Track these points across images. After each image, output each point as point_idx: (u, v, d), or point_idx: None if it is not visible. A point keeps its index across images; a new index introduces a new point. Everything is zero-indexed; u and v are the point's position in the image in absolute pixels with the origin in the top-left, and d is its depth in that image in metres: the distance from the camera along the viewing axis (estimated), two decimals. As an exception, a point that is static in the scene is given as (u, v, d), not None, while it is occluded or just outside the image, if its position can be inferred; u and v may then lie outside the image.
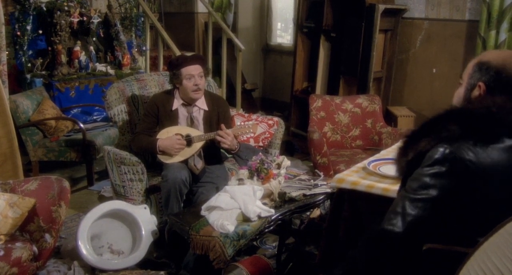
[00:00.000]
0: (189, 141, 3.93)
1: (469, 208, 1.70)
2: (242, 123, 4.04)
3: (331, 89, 6.29)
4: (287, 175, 3.71)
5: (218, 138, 3.87)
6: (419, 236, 1.75)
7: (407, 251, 1.78)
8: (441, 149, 1.72)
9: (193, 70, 3.98)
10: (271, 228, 3.30)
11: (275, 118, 5.00)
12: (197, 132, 3.99)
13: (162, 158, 3.92)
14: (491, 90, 1.84)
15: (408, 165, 1.86)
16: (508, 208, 1.66)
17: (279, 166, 3.62)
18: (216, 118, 4.11)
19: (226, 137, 3.86)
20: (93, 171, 5.45)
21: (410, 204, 1.75)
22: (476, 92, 1.89)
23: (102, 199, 4.97)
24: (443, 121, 1.80)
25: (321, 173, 4.07)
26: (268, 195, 3.41)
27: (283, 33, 8.77)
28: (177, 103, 4.06)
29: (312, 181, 3.83)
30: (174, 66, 4.03)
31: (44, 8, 6.27)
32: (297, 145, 6.51)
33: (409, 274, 1.85)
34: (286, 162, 3.66)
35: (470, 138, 1.72)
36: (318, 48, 6.34)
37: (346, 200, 3.00)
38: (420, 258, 1.78)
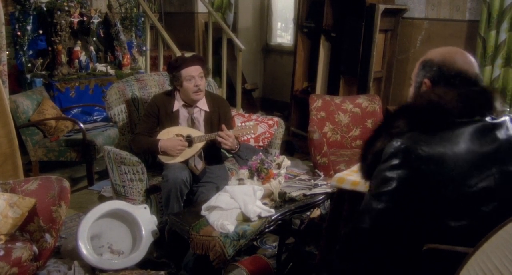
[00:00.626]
0: (189, 141, 3.93)
1: (429, 196, 1.75)
2: (243, 124, 4.03)
3: (331, 89, 6.29)
4: (287, 175, 3.71)
5: (219, 139, 3.87)
6: (388, 230, 1.81)
7: (381, 246, 1.83)
8: (394, 143, 1.81)
9: (193, 71, 3.97)
10: (271, 228, 3.30)
11: (275, 118, 5.00)
12: (197, 132, 3.99)
13: (162, 159, 3.92)
14: (436, 84, 1.96)
15: (369, 168, 1.93)
16: (465, 189, 1.74)
17: (279, 166, 3.62)
18: (217, 119, 4.11)
19: (227, 139, 3.85)
20: (93, 171, 5.45)
21: (374, 200, 1.82)
22: (423, 89, 1.99)
23: (102, 199, 4.97)
24: (392, 120, 1.91)
25: (321, 173, 4.07)
26: (268, 195, 3.41)
27: (283, 33, 8.77)
28: (177, 104, 4.05)
29: (312, 181, 3.83)
30: (174, 68, 4.02)
31: (44, 8, 6.27)
32: (297, 145, 6.51)
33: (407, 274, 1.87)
34: (286, 162, 3.67)
35: (418, 129, 1.83)
36: (318, 48, 6.34)
37: (346, 200, 3.00)
38: (415, 258, 1.80)
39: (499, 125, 1.88)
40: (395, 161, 1.77)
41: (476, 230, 1.71)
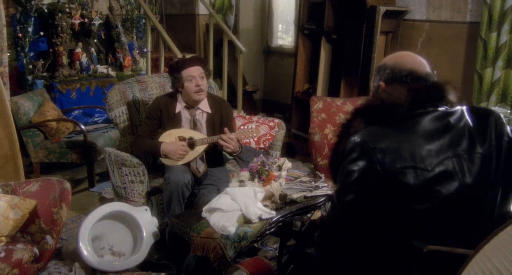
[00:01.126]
0: (191, 144, 3.93)
1: (390, 183, 1.80)
2: (245, 127, 4.03)
3: (332, 90, 6.29)
4: (288, 177, 3.71)
5: (221, 142, 3.87)
6: (359, 220, 1.87)
7: (356, 238, 1.89)
8: (351, 139, 1.90)
9: (193, 72, 3.97)
10: (272, 230, 3.30)
11: (276, 120, 5.01)
12: (199, 135, 3.98)
13: (164, 161, 3.92)
14: (390, 85, 2.07)
15: (337, 171, 2.00)
16: (424, 174, 1.80)
17: (280, 168, 3.62)
18: (219, 121, 4.11)
19: (230, 142, 3.85)
20: (94, 172, 5.46)
21: (341, 193, 1.90)
22: (380, 91, 2.10)
23: (103, 200, 4.98)
24: (350, 122, 2.03)
25: (322, 175, 4.07)
26: (269, 197, 3.41)
27: (284, 34, 8.77)
28: (179, 106, 4.05)
29: (313, 183, 3.83)
30: (174, 69, 4.03)
31: (46, 10, 6.29)
32: (298, 146, 6.51)
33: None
34: (287, 164, 3.67)
35: (372, 124, 1.95)
36: (319, 50, 6.34)
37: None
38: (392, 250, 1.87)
39: (452, 113, 1.96)
40: (354, 155, 1.86)
41: (442, 212, 1.80)
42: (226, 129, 3.90)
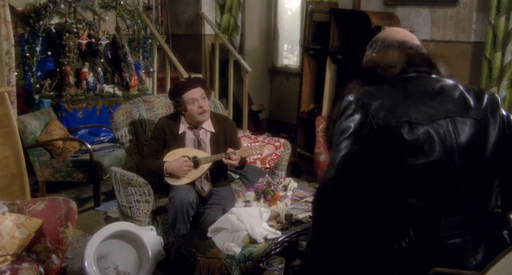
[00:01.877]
0: (196, 163, 3.94)
1: (385, 138, 1.78)
2: (249, 145, 4.05)
3: (338, 110, 6.29)
4: (293, 197, 3.71)
5: (226, 161, 3.89)
6: (353, 177, 1.81)
7: (349, 199, 1.83)
8: (345, 99, 1.89)
9: (194, 94, 4.00)
10: (278, 250, 3.30)
11: (282, 140, 5.02)
12: (204, 154, 4.00)
13: (169, 180, 3.93)
14: (382, 51, 2.08)
15: (331, 137, 1.97)
16: (418, 130, 1.78)
17: (285, 188, 3.63)
18: (223, 139, 4.13)
19: (235, 160, 3.88)
20: (100, 191, 5.46)
21: (335, 152, 1.84)
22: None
23: (108, 220, 4.98)
24: (343, 87, 2.01)
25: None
26: (274, 217, 3.42)
27: (289, 54, 8.82)
28: (183, 127, 4.07)
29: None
30: (175, 94, 4.06)
31: (53, 30, 6.35)
32: (303, 166, 6.51)
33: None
34: (293, 184, 3.67)
35: (367, 84, 1.94)
36: (324, 70, 6.36)
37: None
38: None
39: (446, 81, 1.96)
40: (349, 111, 1.84)
41: (436, 169, 1.77)
42: (229, 149, 3.92)
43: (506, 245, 1.83)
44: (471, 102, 1.89)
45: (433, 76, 1.97)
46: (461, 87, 1.96)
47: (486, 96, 1.93)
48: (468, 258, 1.78)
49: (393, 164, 1.77)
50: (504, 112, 1.96)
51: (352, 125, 1.81)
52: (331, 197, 1.82)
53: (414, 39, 2.11)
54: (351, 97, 1.86)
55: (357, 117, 1.80)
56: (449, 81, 1.97)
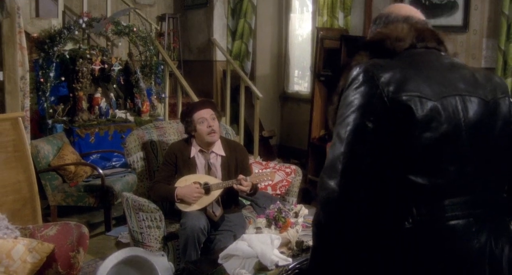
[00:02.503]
0: (207, 189, 3.95)
1: (395, 112, 1.69)
2: (260, 171, 4.06)
3: (348, 137, 6.30)
4: (304, 223, 3.70)
5: (236, 187, 3.90)
6: (365, 152, 1.69)
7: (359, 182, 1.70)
8: (353, 70, 1.78)
9: (204, 114, 4.04)
10: (289, 277, 3.29)
11: (293, 166, 5.02)
12: (215, 180, 4.01)
13: (180, 206, 3.94)
14: (391, 24, 1.98)
15: (337, 109, 1.86)
16: (429, 106, 1.70)
17: (296, 214, 3.62)
18: (234, 164, 4.14)
19: (246, 187, 3.89)
20: (111, 216, 5.48)
21: (342, 124, 1.73)
22: None
23: (119, 245, 4.98)
24: (350, 60, 1.90)
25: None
26: (285, 244, 3.41)
27: (300, 80, 8.86)
28: (194, 151, 4.10)
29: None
30: (185, 114, 4.11)
31: (67, 56, 6.43)
32: (314, 192, 6.49)
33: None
34: (304, 210, 3.67)
35: (375, 57, 1.84)
36: (335, 96, 6.38)
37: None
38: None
39: (456, 60, 1.91)
40: (357, 83, 1.74)
41: (442, 145, 1.70)
42: (241, 175, 3.93)
43: (509, 230, 1.82)
44: (481, 82, 1.84)
45: (442, 53, 1.91)
46: (469, 67, 1.92)
47: (495, 79, 1.90)
48: (471, 241, 1.72)
49: (399, 138, 1.68)
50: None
51: (361, 97, 1.71)
52: (342, 174, 1.68)
53: (418, 14, 2.05)
54: (359, 68, 1.76)
55: (366, 89, 1.71)
56: (458, 60, 1.93)
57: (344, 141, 1.69)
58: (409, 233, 1.69)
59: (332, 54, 6.48)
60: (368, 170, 1.68)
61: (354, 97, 1.72)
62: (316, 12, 7.27)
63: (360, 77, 1.73)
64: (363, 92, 1.71)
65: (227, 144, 4.22)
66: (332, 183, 1.69)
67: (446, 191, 1.71)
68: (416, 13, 2.03)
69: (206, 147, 4.10)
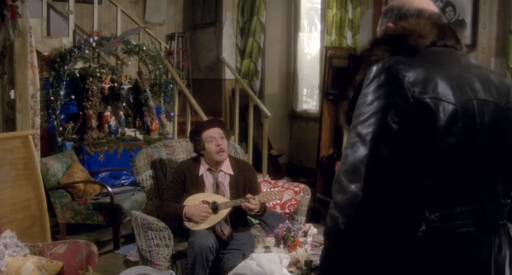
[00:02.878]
0: (215, 208, 3.95)
1: (419, 116, 1.63)
2: (268, 190, 4.06)
3: (357, 156, 6.29)
4: (313, 242, 3.70)
5: (244, 206, 3.90)
6: (391, 155, 1.64)
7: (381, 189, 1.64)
8: (374, 67, 1.71)
9: (213, 133, 4.06)
10: (297, 296, 3.28)
11: (302, 185, 5.02)
12: (223, 199, 4.01)
13: (188, 225, 3.94)
14: (411, 18, 1.91)
15: (351, 104, 1.80)
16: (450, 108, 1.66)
17: (305, 234, 3.62)
18: (243, 183, 4.14)
19: (254, 205, 3.89)
20: (120, 234, 5.48)
21: (363, 124, 1.66)
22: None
23: (127, 263, 4.98)
24: (369, 51, 1.82)
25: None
26: (294, 263, 3.40)
27: (309, 99, 8.88)
28: (202, 169, 4.11)
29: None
30: (194, 133, 4.13)
31: (77, 74, 6.49)
32: (323, 211, 6.48)
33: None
34: (313, 230, 3.67)
35: (398, 54, 1.76)
36: (344, 115, 6.38)
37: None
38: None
39: (473, 61, 1.87)
40: (380, 81, 1.67)
41: (459, 150, 1.67)
42: (249, 195, 3.93)
43: (510, 235, 1.81)
44: (496, 85, 1.80)
45: (459, 51, 1.87)
46: (484, 68, 1.88)
47: (507, 82, 1.86)
48: (480, 247, 1.72)
49: (420, 141, 1.64)
50: None
51: (385, 96, 1.65)
52: (366, 177, 1.62)
53: (431, 4, 1.99)
54: (381, 66, 1.70)
55: (390, 88, 1.65)
56: (473, 60, 1.89)
57: (368, 143, 1.63)
58: (421, 239, 1.66)
59: (341, 73, 6.50)
60: (391, 173, 1.63)
61: (377, 96, 1.66)
62: (325, 31, 7.31)
63: (383, 76, 1.68)
64: (387, 92, 1.65)
65: (236, 163, 4.23)
66: (354, 187, 1.63)
67: (459, 198, 1.70)
68: (429, 5, 1.97)
69: (214, 165, 4.11)
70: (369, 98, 1.67)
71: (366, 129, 1.64)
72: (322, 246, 1.78)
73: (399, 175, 1.63)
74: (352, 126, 1.71)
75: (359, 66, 1.82)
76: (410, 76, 1.65)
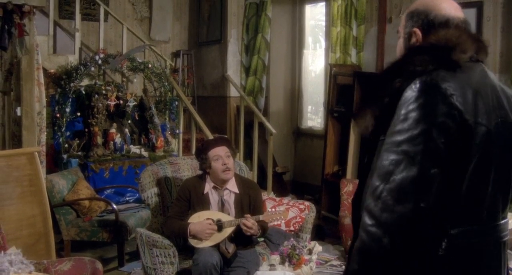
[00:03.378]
0: (220, 226, 3.95)
1: (461, 136, 1.66)
2: (274, 209, 4.06)
3: (362, 173, 6.28)
4: (318, 260, 3.70)
5: (243, 227, 3.89)
6: (439, 175, 1.64)
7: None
8: (419, 81, 1.70)
9: (219, 151, 4.07)
10: (302, 315, 3.26)
11: (306, 203, 5.02)
12: (228, 217, 4.01)
13: (193, 242, 3.94)
14: (426, 32, 1.89)
15: (385, 110, 1.79)
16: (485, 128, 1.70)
17: (310, 251, 3.62)
18: (248, 202, 4.14)
19: (251, 227, 3.88)
20: (124, 252, 5.46)
21: (410, 143, 1.65)
22: (413, 39, 1.93)
23: (132, 280, 4.97)
24: (411, 57, 1.80)
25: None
26: (299, 281, 3.39)
27: (314, 116, 8.89)
28: (208, 187, 4.11)
29: (343, 266, 3.79)
30: (201, 151, 4.14)
31: (83, 92, 6.51)
32: (328, 229, 6.46)
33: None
34: (318, 247, 3.67)
35: (442, 68, 1.73)
36: (348, 132, 6.40)
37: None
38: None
39: (496, 81, 1.87)
40: (427, 98, 1.67)
41: (485, 171, 1.71)
42: (248, 215, 3.93)
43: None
44: (508, 103, 1.83)
45: (485, 67, 1.86)
46: (502, 85, 1.90)
47: None
48: (494, 261, 1.79)
49: (456, 160, 1.66)
50: None
51: (435, 115, 1.64)
52: (417, 198, 1.63)
53: (458, 9, 1.94)
54: (430, 81, 1.69)
55: (440, 107, 1.65)
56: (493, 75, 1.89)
57: (417, 164, 1.63)
58: (443, 256, 1.69)
59: (345, 90, 6.53)
60: (437, 193, 1.64)
61: (424, 114, 1.65)
62: (329, 49, 7.36)
63: (430, 94, 1.67)
64: (438, 111, 1.65)
65: (241, 181, 4.24)
66: (402, 207, 1.63)
67: (478, 216, 1.74)
68: (456, 11, 1.93)
69: (220, 184, 4.12)
70: (415, 115, 1.66)
71: (414, 148, 1.64)
72: (351, 263, 1.75)
73: (442, 194, 1.65)
74: (393, 140, 1.70)
75: (395, 72, 1.81)
76: (458, 95, 1.66)
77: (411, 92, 1.70)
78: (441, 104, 1.65)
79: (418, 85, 1.69)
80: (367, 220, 1.68)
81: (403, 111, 1.69)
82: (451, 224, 1.70)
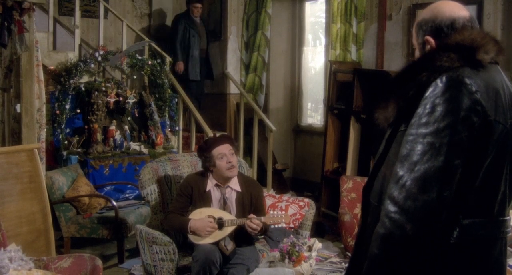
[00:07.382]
0: (220, 224, 3.95)
1: (484, 132, 1.74)
2: (275, 212, 4.04)
3: (362, 170, 6.30)
4: (318, 257, 3.70)
5: (248, 225, 3.89)
6: (460, 168, 1.72)
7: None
8: (445, 76, 1.77)
9: (223, 149, 4.06)
10: (302, 312, 3.26)
11: (306, 200, 5.02)
12: (229, 216, 4.01)
13: (192, 239, 3.94)
14: (437, 37, 1.95)
15: (410, 101, 1.85)
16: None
17: (310, 248, 3.62)
18: (249, 201, 4.14)
19: (256, 228, 3.88)
20: (124, 248, 5.47)
21: (436, 135, 1.72)
22: (428, 47, 1.98)
23: (132, 277, 4.97)
24: (438, 53, 1.86)
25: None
26: (299, 278, 3.39)
27: (313, 113, 8.88)
28: (210, 185, 4.11)
29: (343, 263, 3.80)
30: (204, 150, 4.12)
31: (83, 88, 6.51)
32: (328, 226, 6.47)
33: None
34: (317, 244, 3.67)
35: (468, 66, 1.81)
36: (348, 129, 6.40)
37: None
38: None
39: (508, 81, 1.94)
40: (454, 93, 1.74)
41: (500, 169, 1.80)
42: (252, 215, 3.92)
43: None
44: None
45: (499, 68, 1.95)
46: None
47: None
48: (501, 255, 1.86)
49: (475, 154, 1.74)
50: None
51: (461, 109, 1.72)
52: (441, 187, 1.70)
53: (462, 8, 2.00)
54: (457, 77, 1.76)
55: (466, 102, 1.72)
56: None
57: (443, 156, 1.71)
58: (454, 244, 1.78)
59: (345, 87, 6.52)
60: (459, 183, 1.73)
61: (451, 108, 1.72)
62: (329, 46, 7.35)
63: (457, 89, 1.74)
64: (463, 106, 1.72)
65: (244, 180, 4.23)
66: (426, 196, 1.70)
67: (491, 211, 1.82)
68: (460, 11, 1.98)
69: (223, 182, 4.11)
70: (441, 108, 1.73)
71: (440, 140, 1.72)
72: (372, 248, 1.81)
73: (460, 185, 1.74)
74: (419, 132, 1.76)
75: (422, 66, 1.87)
76: (481, 92, 1.74)
77: (438, 86, 1.77)
78: (466, 99, 1.72)
79: (444, 80, 1.76)
80: (391, 207, 1.75)
81: (429, 105, 1.76)
82: (464, 214, 1.77)
